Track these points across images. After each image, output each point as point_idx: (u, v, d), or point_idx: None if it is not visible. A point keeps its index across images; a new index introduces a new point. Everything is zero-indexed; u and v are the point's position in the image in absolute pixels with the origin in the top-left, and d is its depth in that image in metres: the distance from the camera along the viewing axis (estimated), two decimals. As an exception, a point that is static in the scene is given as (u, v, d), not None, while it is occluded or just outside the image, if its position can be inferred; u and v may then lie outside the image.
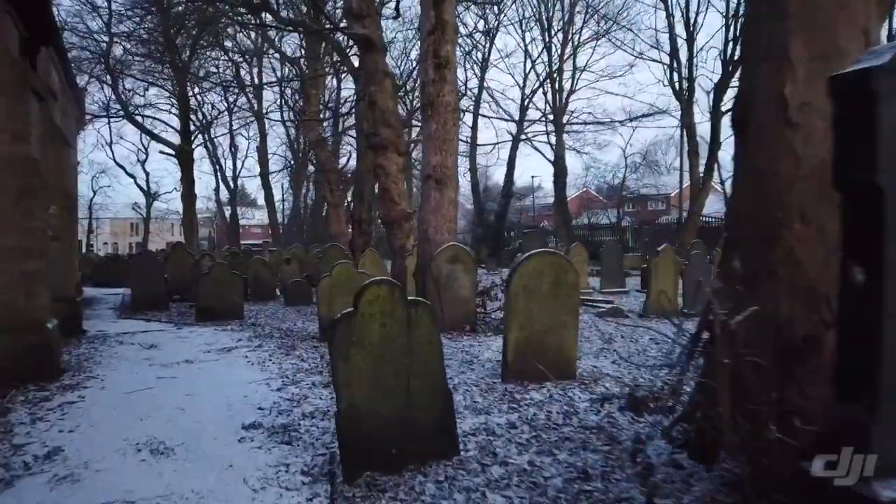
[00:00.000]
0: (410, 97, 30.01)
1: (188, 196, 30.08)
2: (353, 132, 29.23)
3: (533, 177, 39.00)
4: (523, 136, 32.50)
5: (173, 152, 30.90)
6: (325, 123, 27.67)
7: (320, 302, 8.80)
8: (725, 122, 24.83)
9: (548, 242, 35.06)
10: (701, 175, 24.64)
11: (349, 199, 28.08)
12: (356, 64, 18.61)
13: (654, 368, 6.85)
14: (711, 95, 24.42)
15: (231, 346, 9.01)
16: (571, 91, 30.09)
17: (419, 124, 19.47)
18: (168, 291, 15.74)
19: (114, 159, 49.38)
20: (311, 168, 44.70)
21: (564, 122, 30.05)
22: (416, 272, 9.89)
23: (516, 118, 32.84)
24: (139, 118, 31.98)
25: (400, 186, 11.95)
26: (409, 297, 4.38)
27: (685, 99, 24.93)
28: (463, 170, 36.59)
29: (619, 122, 30.46)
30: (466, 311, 9.22)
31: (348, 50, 21.47)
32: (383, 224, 12.08)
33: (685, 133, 24.85)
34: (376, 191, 13.54)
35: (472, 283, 9.11)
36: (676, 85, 25.47)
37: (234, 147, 50.38)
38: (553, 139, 30.82)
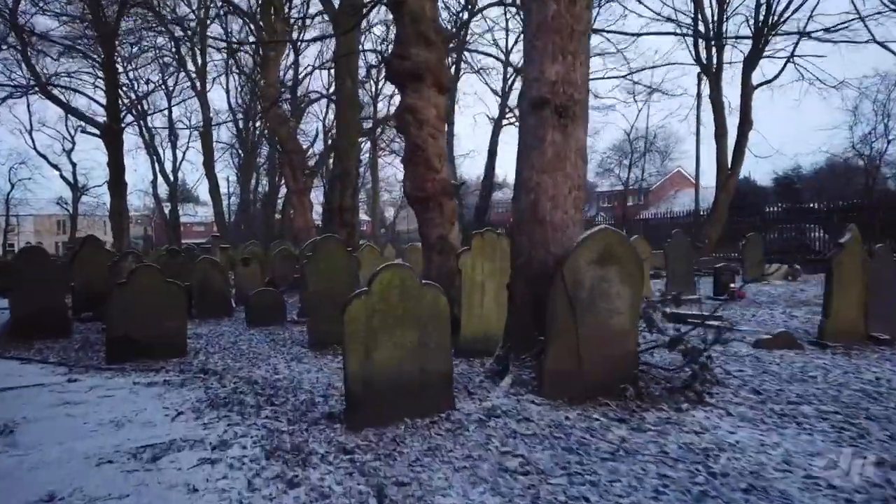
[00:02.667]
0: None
1: (116, 185, 24.77)
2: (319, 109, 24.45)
3: (460, 183, 35.28)
4: (509, 118, 28.25)
5: (98, 132, 25.54)
6: (284, 95, 22.84)
7: (350, 342, 4.25)
8: (758, 97, 21.16)
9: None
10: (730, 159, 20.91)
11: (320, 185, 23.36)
12: None
13: None
14: (741, 68, 20.68)
15: (164, 441, 4.34)
16: None
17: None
18: (75, 307, 10.82)
19: (34, 148, 42.79)
20: (264, 154, 39.67)
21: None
22: (514, 282, 5.42)
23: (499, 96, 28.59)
24: (57, 93, 26.39)
25: (440, 143, 7.50)
26: None
27: (713, 72, 21.09)
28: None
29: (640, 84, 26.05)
30: (623, 356, 4.80)
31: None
32: (412, 203, 7.58)
33: (713, 110, 21.06)
34: (403, 151, 9.09)
35: (634, 303, 4.69)
36: (703, 53, 21.61)
37: (173, 136, 44.83)
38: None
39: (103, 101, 26.46)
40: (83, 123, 28.87)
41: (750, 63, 20.55)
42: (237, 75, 36.96)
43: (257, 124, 37.84)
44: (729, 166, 21.06)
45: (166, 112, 41.01)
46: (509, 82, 29.77)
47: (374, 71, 30.35)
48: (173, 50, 32.63)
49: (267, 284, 14.57)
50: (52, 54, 24.49)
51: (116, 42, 25.76)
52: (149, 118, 41.73)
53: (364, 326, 4.23)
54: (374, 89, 35.09)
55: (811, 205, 24.55)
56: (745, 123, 20.66)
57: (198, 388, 5.89)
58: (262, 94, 20.50)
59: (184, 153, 46.56)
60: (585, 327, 4.55)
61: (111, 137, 24.64)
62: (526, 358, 4.98)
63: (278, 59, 20.43)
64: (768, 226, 22.12)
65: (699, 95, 23.81)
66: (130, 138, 63.84)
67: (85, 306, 10.67)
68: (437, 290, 4.47)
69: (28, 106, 40.94)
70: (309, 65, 32.01)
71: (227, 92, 39.22)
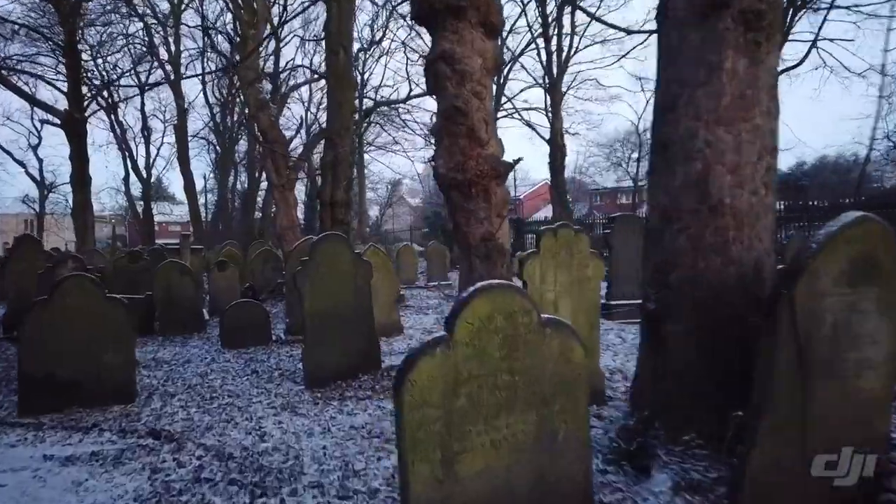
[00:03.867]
0: None
1: (80, 178, 22.33)
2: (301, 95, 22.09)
3: (515, 160, 33.02)
4: (506, 109, 26.22)
5: (59, 121, 23.06)
6: (265, 83, 20.59)
7: (413, 442, 2.15)
8: (784, 80, 19.35)
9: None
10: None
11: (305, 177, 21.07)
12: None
13: None
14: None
15: None
16: (571, 52, 23.75)
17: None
18: (5, 325, 8.60)
19: (-4, 142, 39.83)
20: (242, 148, 37.24)
21: (564, 87, 23.76)
22: (661, 307, 3.31)
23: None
24: (12, 77, 23.81)
25: (487, 106, 5.42)
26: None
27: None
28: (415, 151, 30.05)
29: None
30: (869, 442, 2.75)
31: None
32: (448, 189, 5.49)
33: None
34: (433, 116, 7.06)
35: (892, 349, 2.71)
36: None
37: (146, 131, 42.19)
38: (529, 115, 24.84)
39: (65, 88, 24.01)
40: (47, 115, 26.31)
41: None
42: (213, 63, 34.46)
43: (235, 117, 35.47)
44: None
45: (139, 105, 38.47)
46: (506, 70, 27.69)
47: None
48: (145, 38, 30.22)
49: (245, 292, 12.43)
50: (4, 32, 21.93)
51: (81, 24, 23.37)
52: (121, 111, 39.26)
53: (442, 413, 2.14)
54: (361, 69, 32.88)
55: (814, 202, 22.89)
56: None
57: (141, 471, 3.76)
58: (240, 77, 18.25)
59: (158, 149, 44.19)
60: (820, 395, 2.53)
61: (73, 127, 22.18)
62: (692, 440, 2.96)
63: (258, 37, 18.19)
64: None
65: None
66: (101, 133, 60.93)
67: (16, 322, 8.43)
68: (566, 331, 2.42)
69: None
70: (292, 34, 29.23)
71: (203, 83, 36.74)
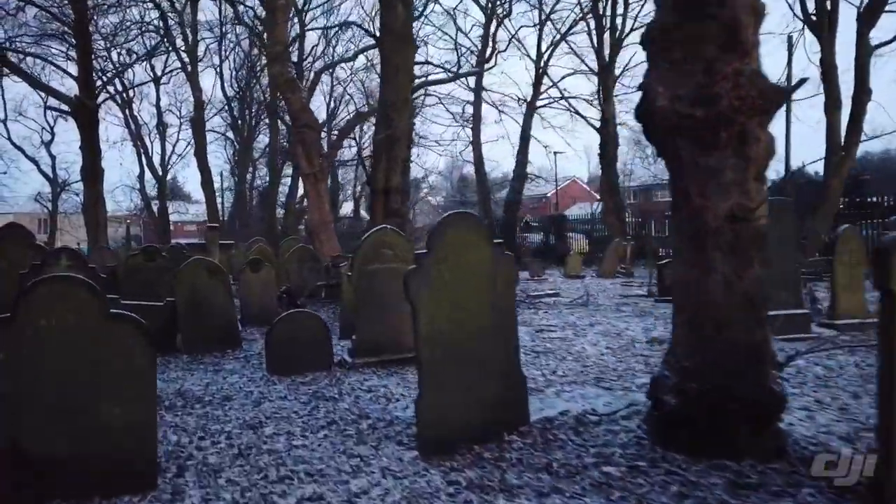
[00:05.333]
0: None
1: (92, 173, 20.33)
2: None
3: (556, 153, 30.54)
4: (551, 96, 23.93)
5: (68, 109, 21.09)
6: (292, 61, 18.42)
7: None
8: (875, 62, 17.05)
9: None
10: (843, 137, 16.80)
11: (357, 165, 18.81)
12: None
13: None
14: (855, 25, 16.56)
15: None
16: (624, 31, 21.40)
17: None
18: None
19: (9, 138, 38.01)
20: (260, 144, 35.16)
21: (617, 70, 21.41)
22: None
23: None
24: (18, 61, 21.81)
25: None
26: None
27: (825, 27, 16.89)
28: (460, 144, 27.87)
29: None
30: None
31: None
32: (664, 133, 3.29)
33: (824, 78, 16.93)
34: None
35: None
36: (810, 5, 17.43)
37: (161, 126, 40.26)
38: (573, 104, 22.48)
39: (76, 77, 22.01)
40: (57, 105, 24.31)
41: (868, 17, 16.48)
42: (233, 52, 32.50)
43: (254, 109, 33.44)
44: (841, 148, 16.93)
45: (153, 100, 36.64)
46: (544, 57, 25.47)
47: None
48: (160, 24, 28.25)
49: (281, 297, 10.33)
50: (10, 9, 19.94)
51: (92, 4, 21.37)
52: (135, 107, 37.38)
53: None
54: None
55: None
56: (863, 93, 16.57)
57: None
58: (268, 55, 16.12)
59: (173, 145, 42.08)
60: None
61: (84, 116, 20.18)
62: None
63: (287, 8, 16.07)
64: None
65: (790, 62, 19.65)
66: (115, 129, 58.98)
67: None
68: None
69: (1, 92, 36.13)
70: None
71: (220, 75, 34.67)
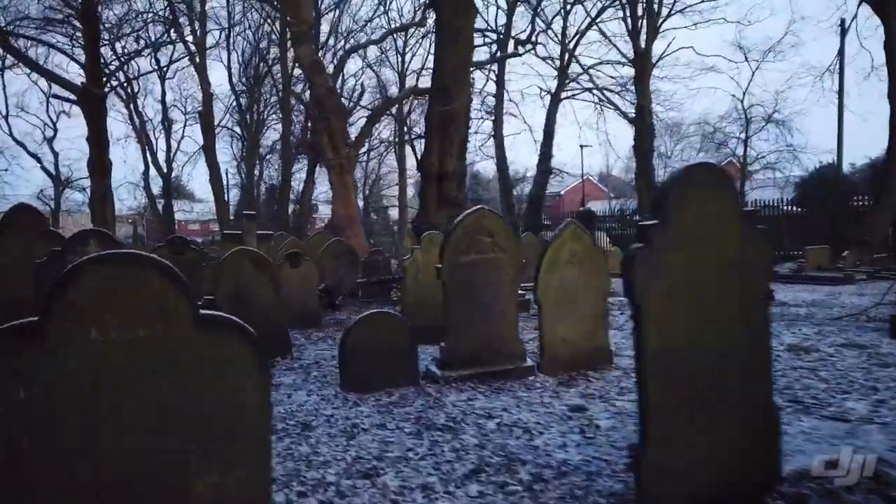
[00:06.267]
0: None
1: (99, 165, 19.06)
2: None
3: (582, 146, 29.08)
4: (580, 84, 22.59)
5: (74, 97, 19.84)
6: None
7: None
8: None
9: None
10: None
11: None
12: None
13: None
14: None
15: None
16: (662, 16, 20.05)
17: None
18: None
19: (10, 134, 36.68)
20: (270, 138, 33.88)
21: (655, 56, 20.05)
22: None
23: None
24: (21, 47, 20.52)
25: None
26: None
27: (889, 8, 15.64)
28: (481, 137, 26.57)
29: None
30: None
31: None
32: None
33: (889, 62, 15.69)
34: None
35: None
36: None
37: (166, 122, 39.00)
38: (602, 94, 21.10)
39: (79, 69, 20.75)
40: (59, 92, 23.02)
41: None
42: (241, 46, 31.30)
43: (262, 102, 32.19)
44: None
45: (158, 96, 35.41)
46: (569, 45, 24.16)
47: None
48: (168, 15, 26.96)
49: (319, 295, 9.13)
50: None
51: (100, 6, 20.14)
52: (140, 102, 36.15)
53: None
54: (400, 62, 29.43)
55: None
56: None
57: None
58: (292, 34, 14.84)
59: (178, 142, 40.76)
60: None
61: (91, 105, 18.92)
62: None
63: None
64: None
65: (842, 50, 18.42)
66: (119, 126, 57.56)
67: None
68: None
69: (3, 86, 34.75)
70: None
71: (229, 69, 33.39)
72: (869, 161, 27.08)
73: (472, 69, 11.23)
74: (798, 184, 32.43)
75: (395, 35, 19.21)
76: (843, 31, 18.16)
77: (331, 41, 25.34)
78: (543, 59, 23.35)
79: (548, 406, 4.26)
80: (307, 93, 17.59)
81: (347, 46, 19.29)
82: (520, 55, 19.39)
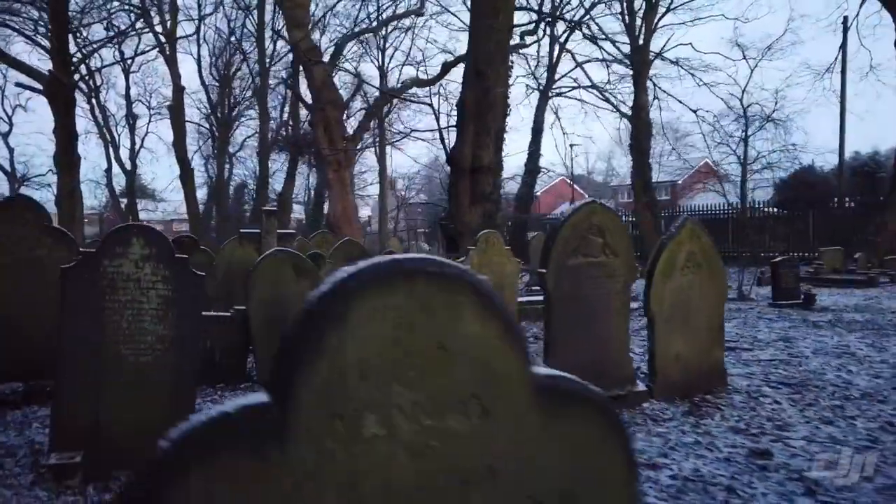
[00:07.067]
0: None
1: (66, 159, 17.59)
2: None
3: (572, 145, 28.41)
4: (574, 80, 21.84)
5: (40, 87, 18.36)
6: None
7: None
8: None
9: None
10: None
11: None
12: None
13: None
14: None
15: None
16: (658, 13, 19.42)
17: None
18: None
19: (-38, 130, 34.54)
20: (242, 134, 32.45)
21: (652, 51, 19.35)
22: None
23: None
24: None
25: None
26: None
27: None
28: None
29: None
30: None
31: None
32: None
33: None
34: None
35: None
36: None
37: (130, 118, 37.16)
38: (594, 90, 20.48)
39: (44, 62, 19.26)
40: (23, 79, 21.41)
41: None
42: (212, 37, 29.92)
43: (234, 96, 30.82)
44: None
45: (122, 90, 33.69)
46: (560, 39, 23.41)
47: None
48: (137, 4, 25.38)
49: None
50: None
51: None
52: (102, 96, 34.32)
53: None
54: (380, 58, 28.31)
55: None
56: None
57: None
58: (288, 18, 13.76)
59: (142, 139, 38.85)
60: None
61: (59, 94, 17.44)
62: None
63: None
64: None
65: (844, 44, 18.12)
66: (80, 121, 55.02)
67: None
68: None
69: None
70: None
71: (199, 62, 31.81)
72: (852, 156, 26.95)
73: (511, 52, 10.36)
74: (777, 185, 32.46)
75: (387, 26, 18.17)
76: (846, 29, 17.91)
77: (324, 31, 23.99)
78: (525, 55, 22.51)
79: (712, 448, 3.42)
80: (303, 84, 16.45)
81: (344, 34, 18.17)
82: (527, 46, 18.58)
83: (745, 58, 18.97)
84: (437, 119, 9.51)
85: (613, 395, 4.33)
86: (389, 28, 19.04)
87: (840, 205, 19.09)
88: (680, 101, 19.91)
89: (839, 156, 20.28)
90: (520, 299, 7.38)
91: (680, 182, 39.28)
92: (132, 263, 3.09)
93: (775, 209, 24.18)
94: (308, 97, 15.35)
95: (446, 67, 15.63)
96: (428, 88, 15.93)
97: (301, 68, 14.47)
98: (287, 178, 24.41)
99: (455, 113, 7.99)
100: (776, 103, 20.07)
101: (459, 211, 8.24)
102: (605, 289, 4.36)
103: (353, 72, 20.69)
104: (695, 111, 19.74)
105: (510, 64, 9.07)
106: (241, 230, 7.78)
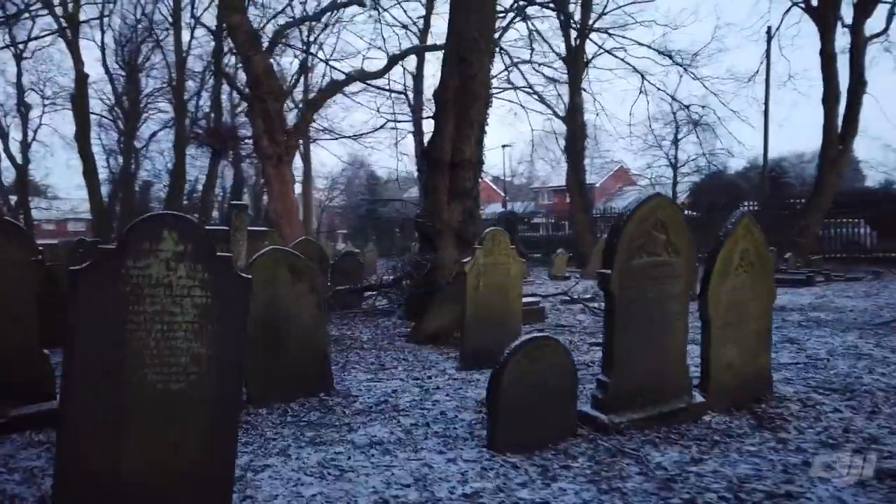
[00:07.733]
0: None
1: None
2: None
3: (504, 146, 27.90)
4: (511, 82, 21.66)
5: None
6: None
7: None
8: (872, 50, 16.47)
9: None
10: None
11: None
12: None
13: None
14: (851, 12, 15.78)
15: None
16: (593, 18, 19.47)
17: None
18: None
19: None
20: (151, 127, 30.29)
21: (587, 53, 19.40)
22: None
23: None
24: None
25: None
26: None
27: (827, 17, 15.89)
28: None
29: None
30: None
31: None
32: None
33: (823, 68, 15.98)
34: None
35: None
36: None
37: (23, 107, 33.99)
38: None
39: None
40: None
41: (862, 8, 15.81)
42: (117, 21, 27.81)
43: (143, 87, 28.80)
44: (838, 142, 16.08)
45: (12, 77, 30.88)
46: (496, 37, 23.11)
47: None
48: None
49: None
50: None
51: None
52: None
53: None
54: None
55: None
56: (859, 85, 15.86)
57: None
58: (222, 2, 12.66)
59: (35, 131, 35.59)
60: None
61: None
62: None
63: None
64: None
65: (768, 53, 18.81)
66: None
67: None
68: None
69: None
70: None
71: (103, 50, 29.40)
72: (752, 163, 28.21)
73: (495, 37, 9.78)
74: (692, 189, 33.77)
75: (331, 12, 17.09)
76: (770, 38, 18.65)
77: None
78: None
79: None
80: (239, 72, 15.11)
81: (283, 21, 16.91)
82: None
83: (674, 63, 19.29)
84: (413, 110, 8.80)
85: (675, 408, 3.93)
86: (332, 17, 17.98)
87: (764, 207, 19.83)
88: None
89: (763, 160, 21.12)
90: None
91: (598, 185, 40.17)
92: (162, 264, 2.36)
93: (690, 212, 25.01)
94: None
95: (393, 60, 14.97)
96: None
97: (235, 57, 13.39)
98: (209, 174, 22.88)
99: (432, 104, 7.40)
100: (703, 107, 20.61)
101: (438, 208, 7.67)
102: (666, 290, 3.94)
103: (301, 51, 19.29)
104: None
105: (493, 51, 8.64)
106: (206, 227, 6.88)
